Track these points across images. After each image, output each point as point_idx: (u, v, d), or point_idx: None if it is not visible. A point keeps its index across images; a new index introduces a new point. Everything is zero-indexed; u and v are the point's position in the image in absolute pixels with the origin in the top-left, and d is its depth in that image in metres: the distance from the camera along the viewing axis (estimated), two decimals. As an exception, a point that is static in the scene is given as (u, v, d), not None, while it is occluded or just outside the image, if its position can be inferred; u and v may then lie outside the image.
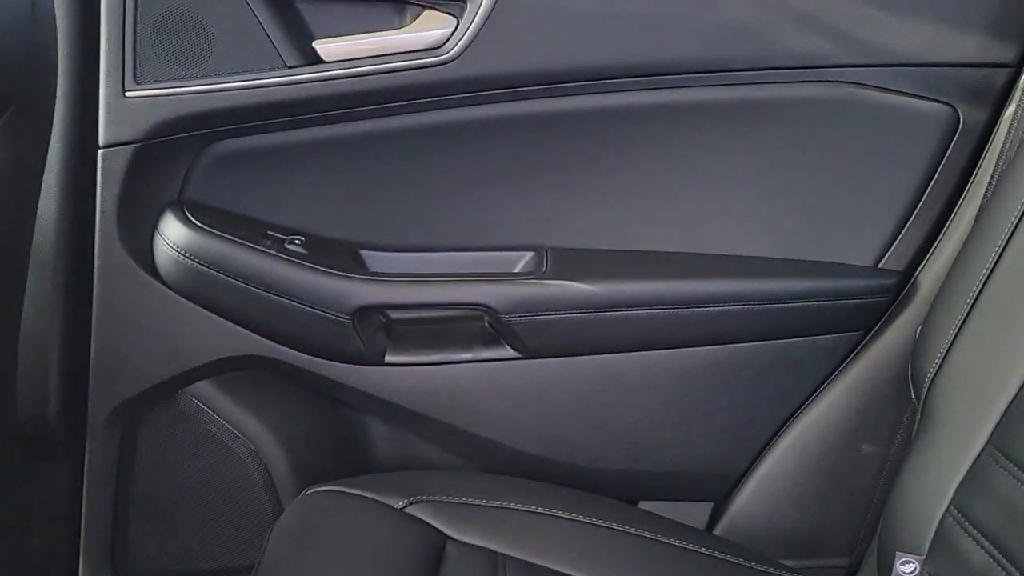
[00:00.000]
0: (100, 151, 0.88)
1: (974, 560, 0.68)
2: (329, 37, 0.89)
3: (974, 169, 0.91)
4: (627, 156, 0.94)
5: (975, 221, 0.84)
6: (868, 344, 0.95)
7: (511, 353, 0.95)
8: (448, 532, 0.80)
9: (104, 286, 0.92)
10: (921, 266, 0.94)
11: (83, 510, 0.98)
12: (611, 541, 0.82)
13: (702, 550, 0.82)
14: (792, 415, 0.97)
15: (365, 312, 0.92)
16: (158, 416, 0.98)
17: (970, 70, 0.89)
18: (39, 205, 0.82)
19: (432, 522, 0.80)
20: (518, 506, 0.83)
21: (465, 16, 0.87)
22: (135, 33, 0.86)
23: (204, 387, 0.97)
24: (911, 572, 0.73)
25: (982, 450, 0.70)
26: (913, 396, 0.80)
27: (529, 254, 0.96)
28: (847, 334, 0.95)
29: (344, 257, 0.95)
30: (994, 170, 0.87)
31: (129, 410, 0.96)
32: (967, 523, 0.69)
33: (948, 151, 0.91)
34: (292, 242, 0.93)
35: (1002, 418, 0.69)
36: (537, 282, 0.92)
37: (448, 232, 0.97)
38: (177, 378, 0.95)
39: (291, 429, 1.00)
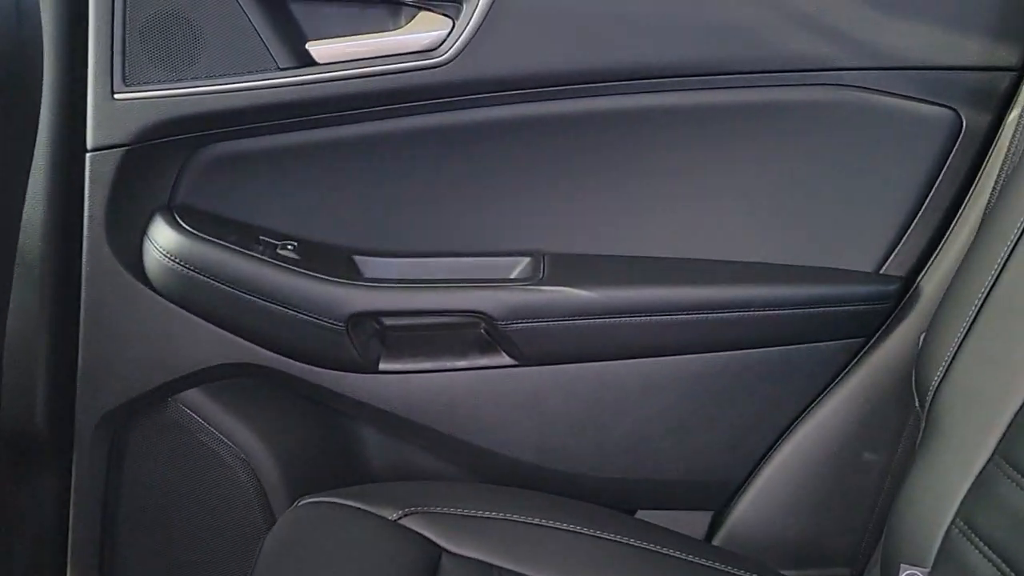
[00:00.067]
0: (88, 154, 0.87)
1: (981, 572, 0.67)
2: (323, 39, 0.88)
3: (977, 174, 0.91)
4: (625, 160, 0.94)
5: (979, 226, 0.83)
6: (870, 351, 0.94)
7: (507, 360, 0.94)
8: (443, 544, 0.79)
9: (92, 292, 0.91)
10: (923, 272, 0.94)
11: (71, 520, 0.97)
12: (609, 552, 0.81)
13: (701, 561, 0.82)
14: (793, 423, 0.97)
15: (359, 319, 0.91)
16: (147, 425, 0.97)
17: (973, 74, 0.89)
18: (26, 209, 0.81)
19: (427, 534, 0.80)
20: (514, 517, 0.83)
21: (461, 18, 0.86)
22: (124, 34, 0.85)
23: (194, 395, 0.96)
24: (916, 584, 0.72)
25: (988, 460, 0.69)
26: (917, 404, 0.79)
27: (526, 260, 0.95)
28: (848, 341, 0.95)
29: (337, 263, 0.94)
30: (998, 175, 0.86)
31: (117, 418, 0.95)
32: (973, 534, 0.68)
33: (951, 156, 0.91)
34: (284, 247, 0.92)
35: (1008, 427, 0.68)
36: (534, 288, 0.91)
37: (443, 237, 0.96)
38: (166, 386, 0.94)
39: (283, 438, 0.99)
